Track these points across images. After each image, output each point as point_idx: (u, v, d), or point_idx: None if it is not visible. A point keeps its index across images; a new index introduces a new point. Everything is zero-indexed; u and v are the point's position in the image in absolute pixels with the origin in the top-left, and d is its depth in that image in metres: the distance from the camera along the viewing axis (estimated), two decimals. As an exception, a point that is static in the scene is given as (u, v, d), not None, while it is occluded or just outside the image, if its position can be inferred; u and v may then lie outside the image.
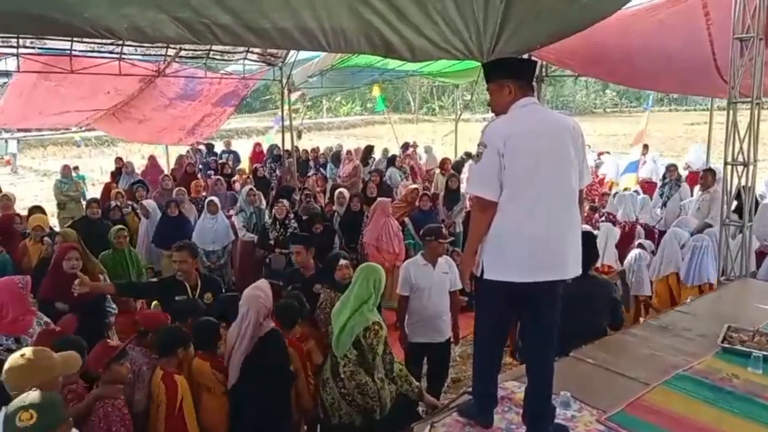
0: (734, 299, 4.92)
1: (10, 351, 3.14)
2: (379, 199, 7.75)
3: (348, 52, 7.77)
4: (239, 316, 3.44)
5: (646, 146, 13.45)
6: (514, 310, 2.81)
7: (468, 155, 11.96)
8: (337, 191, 8.46)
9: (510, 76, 2.71)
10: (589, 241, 3.87)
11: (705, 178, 7.57)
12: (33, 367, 2.58)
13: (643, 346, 3.78)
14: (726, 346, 3.64)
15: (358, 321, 3.33)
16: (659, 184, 10.53)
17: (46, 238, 5.79)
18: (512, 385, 3.21)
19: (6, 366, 2.62)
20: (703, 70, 6.09)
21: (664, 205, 9.15)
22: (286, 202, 7.53)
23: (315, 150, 13.53)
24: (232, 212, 8.19)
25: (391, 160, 12.02)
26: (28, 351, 2.68)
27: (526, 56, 5.33)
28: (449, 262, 4.64)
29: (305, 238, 5.12)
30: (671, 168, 9.95)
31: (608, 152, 14.40)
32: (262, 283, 3.65)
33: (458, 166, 11.22)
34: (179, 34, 3.83)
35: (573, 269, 2.66)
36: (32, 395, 2.21)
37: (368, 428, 3.40)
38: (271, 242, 7.04)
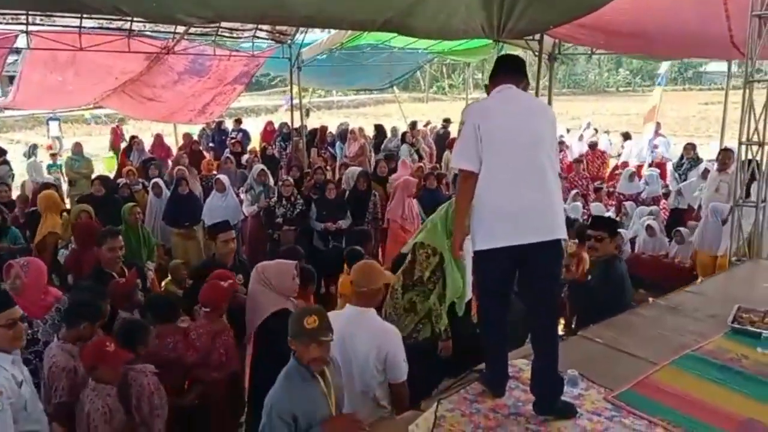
0: (745, 280, 4.90)
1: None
2: (403, 177, 7.74)
3: (364, 30, 7.71)
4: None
5: (658, 124, 13.32)
6: (512, 279, 2.89)
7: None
8: (348, 170, 8.48)
9: (492, 75, 2.98)
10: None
11: (722, 158, 7.47)
12: None
13: (652, 326, 3.78)
14: (736, 326, 3.63)
15: (424, 235, 3.67)
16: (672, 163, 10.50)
17: (64, 214, 5.86)
18: (520, 363, 3.22)
19: None
20: (719, 46, 5.98)
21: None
22: (291, 179, 7.55)
23: (323, 129, 13.45)
24: (241, 191, 8.22)
25: (403, 137, 11.96)
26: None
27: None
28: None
29: (228, 224, 5.06)
30: (688, 147, 9.86)
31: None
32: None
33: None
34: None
35: (551, 233, 2.74)
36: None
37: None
38: (279, 219, 7.06)
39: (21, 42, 8.09)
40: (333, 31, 10.06)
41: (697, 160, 9.58)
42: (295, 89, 11.06)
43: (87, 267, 4.63)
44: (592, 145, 12.08)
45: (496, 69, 2.99)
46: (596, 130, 15.10)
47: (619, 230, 4.37)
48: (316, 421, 2.50)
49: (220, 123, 14.11)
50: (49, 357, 3.28)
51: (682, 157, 10.00)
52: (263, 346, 3.66)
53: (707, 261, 6.70)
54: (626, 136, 13.68)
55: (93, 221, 5.55)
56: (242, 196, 8.00)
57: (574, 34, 7.12)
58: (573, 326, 4.44)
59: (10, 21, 7.48)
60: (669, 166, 11.16)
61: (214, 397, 3.70)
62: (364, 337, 2.96)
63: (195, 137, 13.35)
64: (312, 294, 4.56)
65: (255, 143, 13.74)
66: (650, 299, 4.64)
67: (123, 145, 13.50)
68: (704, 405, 2.87)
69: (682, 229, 7.45)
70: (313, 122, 15.58)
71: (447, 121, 14.45)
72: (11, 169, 10.51)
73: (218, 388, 3.71)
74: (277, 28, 9.32)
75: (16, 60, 9.57)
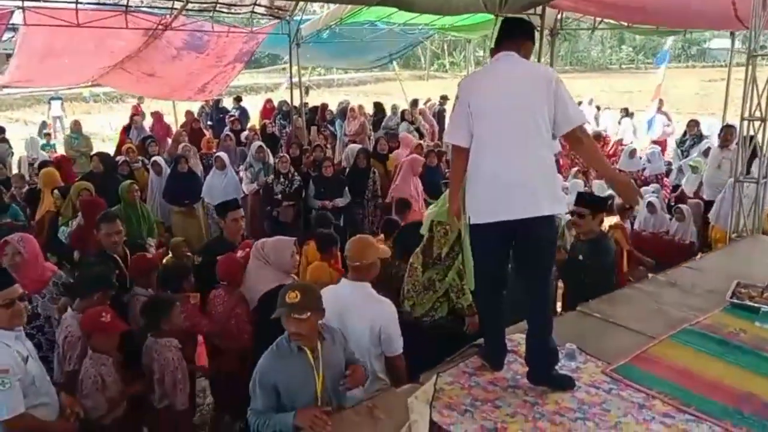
0: (745, 256, 4.90)
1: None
2: (411, 155, 7.70)
3: (364, 5, 7.61)
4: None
5: (661, 101, 13.23)
6: (505, 254, 2.87)
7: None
8: (347, 148, 8.45)
9: (497, 40, 2.87)
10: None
11: (725, 134, 7.42)
12: None
13: (650, 301, 3.79)
14: (734, 301, 3.64)
15: (440, 212, 3.60)
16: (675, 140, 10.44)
17: (55, 191, 5.84)
18: (519, 338, 3.22)
19: None
20: (722, 19, 5.92)
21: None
22: (288, 156, 7.52)
23: (323, 106, 13.36)
24: (241, 168, 8.19)
25: (402, 115, 11.90)
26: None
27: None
28: None
29: (237, 202, 5.07)
30: (691, 123, 9.79)
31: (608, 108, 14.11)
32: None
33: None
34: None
35: (540, 209, 2.67)
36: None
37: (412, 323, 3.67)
38: (278, 196, 7.05)
39: (17, 18, 8.00)
40: (332, 7, 9.94)
41: (700, 137, 9.52)
42: (295, 67, 10.96)
43: (93, 243, 4.63)
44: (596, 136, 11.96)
45: (500, 34, 2.88)
46: (598, 108, 14.98)
47: (603, 209, 4.30)
48: (297, 396, 2.55)
49: (218, 101, 13.99)
50: (64, 327, 3.39)
51: (685, 134, 9.94)
52: (261, 323, 3.68)
53: (722, 237, 6.58)
54: (626, 113, 13.57)
55: (99, 198, 5.55)
56: (242, 173, 7.98)
57: (577, 4, 7.05)
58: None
59: (6, -3, 7.39)
60: (671, 143, 11.11)
61: (227, 369, 3.80)
62: (359, 310, 2.98)
63: (195, 115, 13.26)
64: (338, 256, 4.79)
65: (254, 121, 13.65)
66: (649, 275, 4.65)
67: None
68: (702, 378, 2.88)
69: (682, 206, 7.43)
70: (313, 100, 15.47)
71: (444, 98, 14.37)
72: (10, 147, 10.50)
73: (231, 360, 3.77)
74: (276, 3, 9.22)
75: (12, 37, 9.49)
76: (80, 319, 3.31)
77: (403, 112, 12.17)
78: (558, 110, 2.67)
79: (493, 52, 2.89)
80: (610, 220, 5.20)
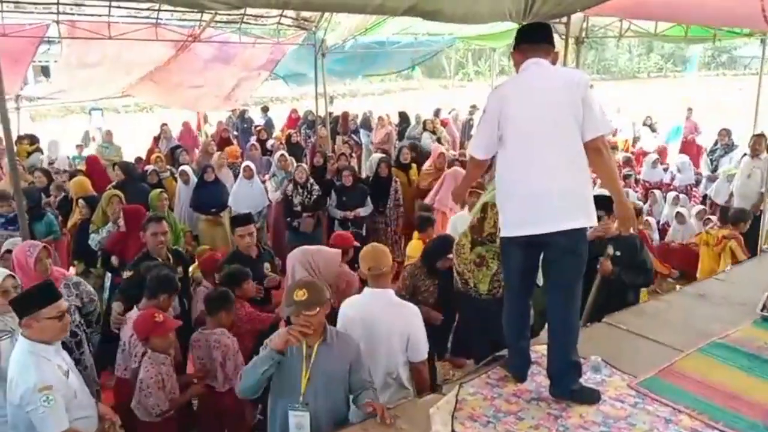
0: (777, 268, 4.78)
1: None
2: (452, 168, 7.68)
3: (389, 15, 7.65)
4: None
5: (689, 109, 13.01)
6: (532, 266, 2.87)
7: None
8: (371, 157, 8.48)
9: (517, 44, 2.86)
10: None
11: (755, 143, 7.26)
12: None
13: (678, 314, 3.73)
14: (765, 314, 3.56)
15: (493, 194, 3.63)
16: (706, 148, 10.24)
17: (80, 201, 5.99)
18: (542, 349, 3.20)
19: None
20: (752, 20, 5.81)
21: (714, 170, 8.94)
22: (304, 165, 7.55)
23: (344, 115, 13.41)
24: (266, 177, 8.29)
25: (424, 125, 11.93)
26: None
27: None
28: None
29: (251, 217, 5.07)
30: (722, 132, 9.61)
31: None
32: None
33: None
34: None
35: (568, 222, 2.64)
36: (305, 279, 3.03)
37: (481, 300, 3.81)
38: (297, 207, 7.09)
39: (52, 31, 8.25)
40: (357, 18, 10.01)
41: (731, 146, 9.32)
42: (320, 76, 11.05)
43: (133, 250, 4.72)
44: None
45: (521, 38, 2.84)
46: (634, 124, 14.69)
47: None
48: (283, 387, 2.64)
49: (243, 112, 14.21)
50: (130, 325, 3.60)
51: (715, 143, 9.75)
52: None
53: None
54: (648, 125, 13.41)
55: (142, 206, 5.70)
56: (267, 183, 8.07)
57: (602, 9, 6.97)
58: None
59: (42, 11, 7.63)
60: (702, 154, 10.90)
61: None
62: (385, 318, 3.00)
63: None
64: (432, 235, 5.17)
65: (280, 131, 13.80)
66: (677, 287, 4.57)
67: (208, 129, 13.73)
68: (731, 393, 2.82)
69: (712, 217, 7.29)
70: (338, 110, 15.56)
71: (474, 107, 14.34)
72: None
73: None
74: (302, 14, 9.33)
75: (48, 50, 9.78)
76: (134, 323, 3.48)
77: (424, 122, 12.19)
78: (585, 116, 2.62)
79: (516, 57, 2.85)
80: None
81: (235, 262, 4.39)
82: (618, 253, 3.99)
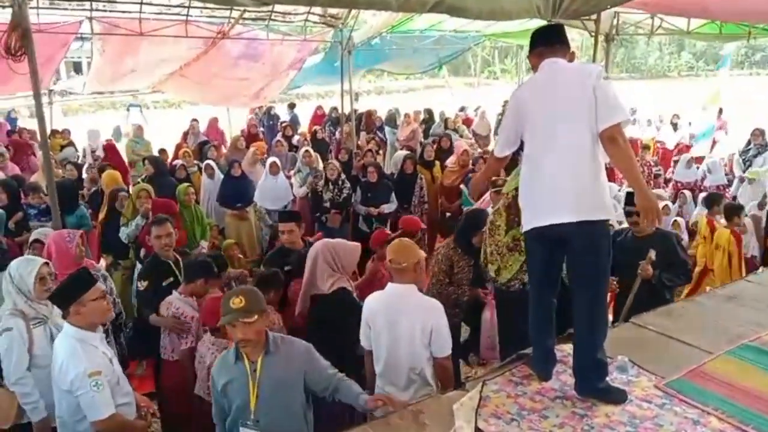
0: (811, 271, 4.66)
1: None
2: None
3: (416, 12, 7.67)
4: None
5: (720, 110, 12.74)
6: (554, 262, 2.86)
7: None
8: (395, 154, 8.49)
9: (533, 47, 2.89)
10: None
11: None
12: None
13: (708, 315, 3.66)
14: (799, 317, 3.47)
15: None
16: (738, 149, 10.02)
17: (122, 193, 6.12)
18: (568, 348, 3.17)
19: None
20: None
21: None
22: (336, 162, 7.59)
23: (368, 113, 13.40)
24: (291, 173, 8.36)
25: (445, 124, 11.92)
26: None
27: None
28: None
29: (294, 214, 5.08)
30: (756, 132, 9.40)
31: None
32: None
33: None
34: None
35: (586, 213, 2.62)
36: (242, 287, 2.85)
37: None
38: (326, 203, 7.13)
39: (85, 28, 8.41)
40: (384, 15, 10.03)
41: (765, 146, 9.13)
42: (346, 74, 11.09)
43: None
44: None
45: (536, 41, 2.87)
46: (650, 122, 14.49)
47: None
48: (234, 403, 2.62)
49: (270, 108, 14.34)
50: (173, 308, 3.83)
51: (749, 143, 9.54)
52: (316, 321, 3.77)
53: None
54: (674, 125, 13.21)
55: (171, 200, 5.86)
56: (292, 178, 8.14)
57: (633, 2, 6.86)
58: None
59: (76, 7, 7.79)
60: (734, 154, 10.67)
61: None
62: (408, 313, 3.00)
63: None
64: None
65: (305, 127, 13.89)
66: (707, 288, 4.49)
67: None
68: (759, 395, 2.76)
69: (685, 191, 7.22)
70: (363, 107, 15.61)
71: (506, 102, 14.25)
72: (77, 151, 11.03)
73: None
74: (329, 11, 9.36)
75: (81, 46, 9.98)
76: (204, 309, 3.69)
77: (446, 120, 12.18)
78: (599, 104, 2.58)
79: (532, 61, 2.89)
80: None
81: (280, 256, 4.45)
82: (656, 255, 3.93)
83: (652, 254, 3.90)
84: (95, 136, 11.22)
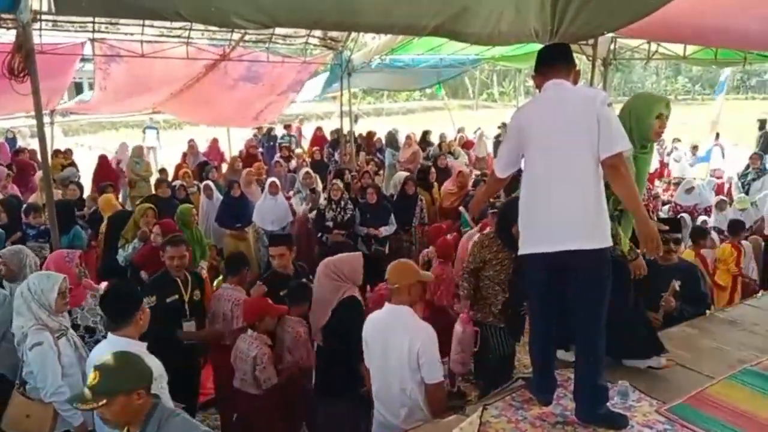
0: (811, 295, 4.65)
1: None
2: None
3: (415, 35, 7.77)
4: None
5: (717, 134, 12.85)
6: (555, 288, 2.80)
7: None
8: (396, 175, 8.51)
9: (538, 67, 2.88)
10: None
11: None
12: None
13: (709, 340, 3.64)
14: (800, 342, 3.45)
15: None
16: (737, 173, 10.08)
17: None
18: (569, 372, 3.14)
19: None
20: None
21: (746, 194, 8.81)
22: (340, 183, 7.59)
23: (369, 135, 13.44)
24: (290, 193, 8.37)
25: (440, 146, 11.98)
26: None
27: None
28: None
29: (286, 238, 5.08)
30: (754, 156, 9.48)
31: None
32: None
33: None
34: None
35: (586, 242, 2.59)
36: (107, 357, 2.21)
37: None
38: (329, 223, 7.13)
39: (87, 50, 8.48)
40: (384, 38, 10.14)
41: (763, 171, 9.18)
42: (345, 95, 11.18)
43: (162, 264, 4.59)
44: None
45: (543, 61, 2.86)
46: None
47: (677, 230, 4.21)
48: None
49: (270, 129, 14.41)
50: (225, 298, 4.29)
51: (747, 167, 9.60)
52: (331, 333, 3.75)
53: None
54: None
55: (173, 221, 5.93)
56: (292, 199, 8.15)
57: (631, 32, 6.96)
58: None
59: (78, 29, 7.86)
60: (732, 177, 10.71)
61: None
62: (398, 332, 2.97)
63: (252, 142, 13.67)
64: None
65: (305, 149, 13.96)
66: (707, 312, 4.47)
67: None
68: (760, 421, 2.74)
69: (743, 242, 7.12)
70: (362, 128, 15.70)
71: (504, 124, 14.35)
72: (78, 171, 11.03)
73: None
74: (329, 34, 9.47)
75: (83, 67, 10.05)
76: (246, 307, 3.94)
77: (440, 144, 12.25)
78: (601, 133, 2.57)
79: (537, 81, 2.87)
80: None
81: (274, 280, 4.39)
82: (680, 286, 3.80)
83: (676, 285, 3.77)
84: (123, 149, 11.43)
